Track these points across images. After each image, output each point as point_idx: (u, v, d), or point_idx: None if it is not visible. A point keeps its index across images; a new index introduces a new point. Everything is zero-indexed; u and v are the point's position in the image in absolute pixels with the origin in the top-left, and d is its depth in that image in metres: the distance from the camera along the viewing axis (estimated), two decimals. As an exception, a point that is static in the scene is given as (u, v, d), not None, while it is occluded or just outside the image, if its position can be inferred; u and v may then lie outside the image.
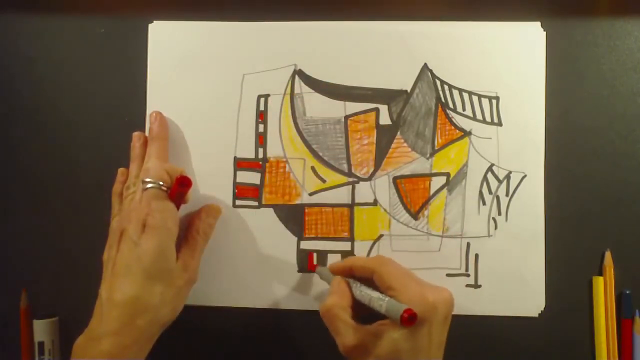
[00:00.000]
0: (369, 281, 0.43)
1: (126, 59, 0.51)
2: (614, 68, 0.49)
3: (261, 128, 0.50)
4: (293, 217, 0.50)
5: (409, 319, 0.37)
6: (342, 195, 0.50)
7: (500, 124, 0.49)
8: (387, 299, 0.40)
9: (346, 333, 0.41)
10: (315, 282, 0.50)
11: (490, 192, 0.49)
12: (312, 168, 0.50)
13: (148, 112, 0.50)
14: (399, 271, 0.43)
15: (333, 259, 0.50)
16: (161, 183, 0.43)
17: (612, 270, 0.48)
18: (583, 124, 0.49)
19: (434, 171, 0.50)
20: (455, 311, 0.49)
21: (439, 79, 0.49)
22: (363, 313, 0.42)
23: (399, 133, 0.50)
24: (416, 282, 0.42)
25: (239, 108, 0.50)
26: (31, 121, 0.51)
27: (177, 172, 0.44)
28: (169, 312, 0.43)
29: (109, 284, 0.42)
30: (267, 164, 0.50)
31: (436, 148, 0.50)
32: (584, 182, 0.49)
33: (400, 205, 0.50)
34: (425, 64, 0.49)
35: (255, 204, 0.50)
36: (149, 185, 0.43)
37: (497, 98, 0.49)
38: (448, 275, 0.49)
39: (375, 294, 0.41)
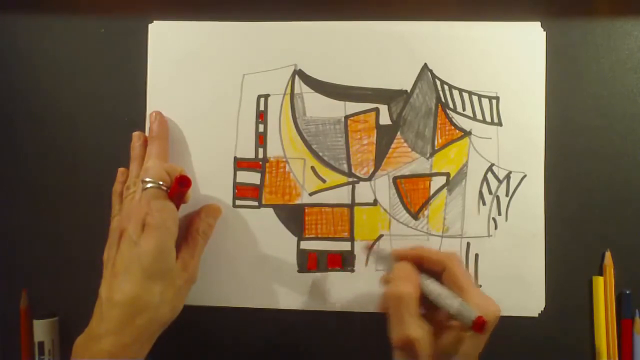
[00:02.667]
0: (435, 276, 0.42)
1: (126, 59, 0.51)
2: (614, 68, 0.49)
3: (261, 128, 0.50)
4: (293, 217, 0.50)
5: (481, 326, 0.37)
6: (342, 195, 0.50)
7: (500, 124, 0.49)
8: (459, 299, 0.39)
9: (411, 324, 0.39)
10: (315, 282, 0.50)
11: (490, 192, 0.49)
12: (312, 168, 0.50)
13: (148, 112, 0.50)
14: (467, 274, 0.42)
15: (333, 259, 0.49)
16: (161, 183, 0.43)
17: (612, 270, 0.48)
18: (583, 124, 0.49)
19: (434, 171, 0.50)
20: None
21: (439, 79, 0.49)
22: (421, 306, 0.41)
23: (399, 133, 0.50)
24: (478, 289, 0.41)
25: (239, 108, 0.50)
26: (31, 121, 0.51)
27: (176, 171, 0.44)
28: (169, 312, 0.43)
29: (108, 283, 0.42)
30: (267, 164, 0.50)
31: (436, 148, 0.50)
32: (584, 182, 0.49)
33: (400, 205, 0.50)
34: (425, 64, 0.49)
35: (255, 204, 0.50)
36: (149, 185, 0.43)
37: (497, 98, 0.49)
38: (448, 275, 0.49)
39: (446, 292, 0.40)
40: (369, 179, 0.50)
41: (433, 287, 0.41)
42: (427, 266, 0.43)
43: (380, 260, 0.46)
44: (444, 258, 0.42)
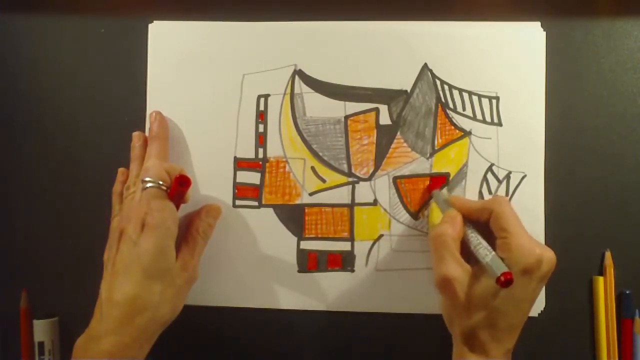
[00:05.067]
0: (481, 227, 0.43)
1: (126, 59, 0.51)
2: (614, 68, 0.49)
3: (261, 128, 0.50)
4: (293, 217, 0.50)
5: (505, 283, 0.37)
6: (342, 195, 0.50)
7: (500, 124, 0.49)
8: (493, 253, 0.40)
9: (450, 263, 0.41)
10: (315, 282, 0.50)
11: (490, 192, 0.49)
12: (312, 168, 0.50)
13: (148, 112, 0.50)
14: (514, 217, 0.42)
15: (333, 259, 0.49)
16: (161, 182, 0.43)
17: (612, 270, 0.48)
18: (583, 124, 0.49)
19: (434, 171, 0.50)
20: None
21: (439, 79, 0.49)
22: (462, 255, 0.42)
23: (399, 133, 0.50)
24: (527, 233, 0.42)
25: (239, 108, 0.50)
26: (31, 121, 0.51)
27: (176, 171, 0.44)
28: (169, 312, 0.43)
29: (108, 283, 0.42)
30: (267, 164, 0.50)
31: (436, 148, 0.50)
32: (584, 182, 0.49)
33: (400, 205, 0.50)
34: (425, 64, 0.49)
35: (255, 204, 0.50)
36: (149, 185, 0.43)
37: (497, 98, 0.49)
38: (448, 275, 0.49)
39: (484, 243, 0.41)
40: (369, 179, 0.50)
41: (474, 237, 0.42)
42: (476, 217, 0.44)
43: (438, 202, 0.47)
44: (490, 204, 0.43)
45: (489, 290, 0.40)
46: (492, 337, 0.40)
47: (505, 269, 0.38)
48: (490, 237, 0.42)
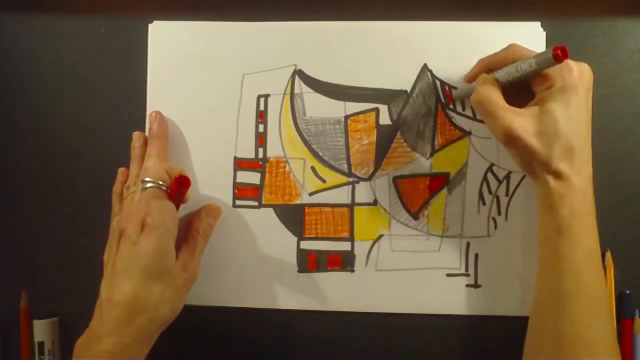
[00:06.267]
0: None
1: (126, 59, 0.51)
2: (614, 68, 0.49)
3: (261, 128, 0.50)
4: (293, 217, 0.50)
5: (562, 51, 0.38)
6: (342, 195, 0.50)
7: (500, 124, 0.49)
8: (531, 55, 0.40)
9: (504, 115, 0.41)
10: (315, 282, 0.50)
11: (490, 192, 0.49)
12: (312, 168, 0.50)
13: (148, 112, 0.50)
14: (530, 50, 0.43)
15: (333, 259, 0.50)
16: (160, 182, 0.43)
17: (612, 270, 0.48)
18: (583, 124, 0.49)
19: (433, 171, 0.50)
20: (455, 311, 0.49)
21: (439, 79, 0.49)
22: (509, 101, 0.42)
23: (399, 133, 0.50)
24: None
25: (239, 108, 0.50)
26: (31, 121, 0.51)
27: (176, 171, 0.44)
28: (169, 312, 0.43)
29: (108, 283, 0.42)
30: (267, 164, 0.50)
31: (436, 148, 0.50)
32: (584, 182, 0.49)
33: (400, 205, 0.50)
34: (425, 64, 0.49)
35: (255, 204, 0.50)
36: (149, 185, 0.43)
37: (497, 98, 0.49)
38: (448, 275, 0.49)
39: (519, 61, 0.41)
40: (369, 179, 0.50)
41: (508, 69, 0.42)
42: (500, 66, 0.44)
43: (462, 93, 0.48)
44: (502, 51, 0.44)
45: (553, 115, 0.40)
46: (571, 164, 0.40)
47: (550, 48, 0.38)
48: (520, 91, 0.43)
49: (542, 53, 0.40)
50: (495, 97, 0.42)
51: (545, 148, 0.40)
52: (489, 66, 0.45)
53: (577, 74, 0.40)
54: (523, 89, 0.43)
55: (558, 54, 0.38)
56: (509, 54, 0.44)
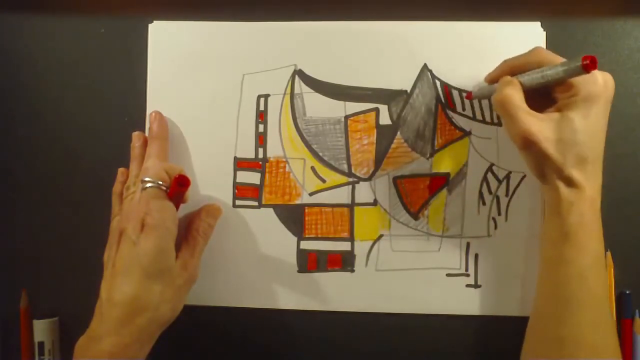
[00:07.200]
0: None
1: (126, 59, 0.51)
2: (614, 68, 0.49)
3: (261, 128, 0.50)
4: (293, 217, 0.50)
5: (592, 62, 0.37)
6: (342, 195, 0.50)
7: (500, 124, 0.49)
8: (556, 61, 0.40)
9: (524, 118, 0.40)
10: (315, 282, 0.50)
11: (490, 192, 0.49)
12: (312, 168, 0.50)
13: (148, 112, 0.50)
14: (557, 57, 0.42)
15: (333, 259, 0.50)
16: (160, 182, 0.43)
17: (612, 270, 0.48)
18: (583, 124, 0.49)
19: (433, 171, 0.50)
20: (455, 311, 0.49)
21: (439, 79, 0.49)
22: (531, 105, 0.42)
23: (399, 133, 0.50)
24: None
25: (239, 108, 0.50)
26: (31, 121, 0.51)
27: (176, 171, 0.44)
28: (169, 311, 0.43)
29: (108, 283, 0.42)
30: (267, 164, 0.50)
31: (436, 148, 0.50)
32: (584, 182, 0.49)
33: (400, 205, 0.50)
34: (425, 64, 0.49)
35: (255, 204, 0.50)
36: (148, 185, 0.43)
37: (497, 98, 0.49)
38: (448, 275, 0.49)
39: (546, 68, 0.41)
40: (369, 179, 0.50)
41: (533, 74, 0.42)
42: (522, 71, 0.43)
43: (483, 93, 0.47)
44: (527, 54, 0.44)
45: (573, 124, 0.40)
46: (584, 173, 0.40)
47: (579, 57, 0.37)
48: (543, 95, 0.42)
49: (570, 62, 0.39)
50: (518, 99, 0.41)
51: (560, 155, 0.40)
52: (512, 68, 0.45)
53: (602, 85, 0.40)
54: (542, 92, 0.43)
55: (588, 64, 0.37)
56: (533, 58, 0.43)
